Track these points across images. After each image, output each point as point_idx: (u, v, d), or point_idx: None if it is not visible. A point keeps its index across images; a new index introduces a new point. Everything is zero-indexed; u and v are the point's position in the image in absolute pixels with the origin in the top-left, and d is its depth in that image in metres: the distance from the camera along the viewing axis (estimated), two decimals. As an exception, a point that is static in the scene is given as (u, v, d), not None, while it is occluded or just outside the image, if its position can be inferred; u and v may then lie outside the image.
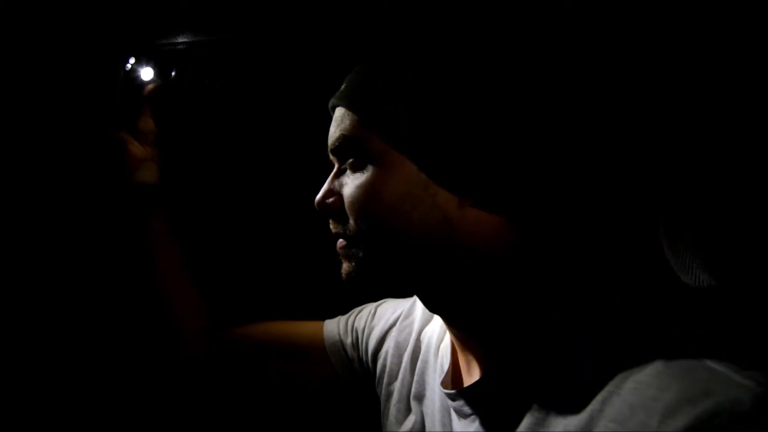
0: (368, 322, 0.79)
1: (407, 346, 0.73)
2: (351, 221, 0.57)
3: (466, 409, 0.57)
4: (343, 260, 0.60)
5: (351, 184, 0.57)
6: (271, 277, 1.12)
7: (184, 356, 0.85)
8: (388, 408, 0.72)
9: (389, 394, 0.73)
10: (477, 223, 0.54)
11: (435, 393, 0.65)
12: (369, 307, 0.82)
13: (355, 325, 0.81)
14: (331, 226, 0.61)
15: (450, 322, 0.61)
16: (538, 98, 0.54)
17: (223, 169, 1.16)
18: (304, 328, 0.84)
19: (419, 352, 0.71)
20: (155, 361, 0.96)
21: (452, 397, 0.59)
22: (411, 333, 0.73)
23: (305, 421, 1.03)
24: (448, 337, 0.66)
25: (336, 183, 0.60)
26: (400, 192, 0.54)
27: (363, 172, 0.56)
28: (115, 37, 0.88)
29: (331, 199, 0.59)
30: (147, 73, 0.92)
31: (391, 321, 0.77)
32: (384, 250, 0.56)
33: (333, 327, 0.82)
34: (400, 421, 0.70)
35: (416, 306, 0.76)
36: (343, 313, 0.85)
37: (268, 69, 1.05)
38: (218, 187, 1.16)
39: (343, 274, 0.59)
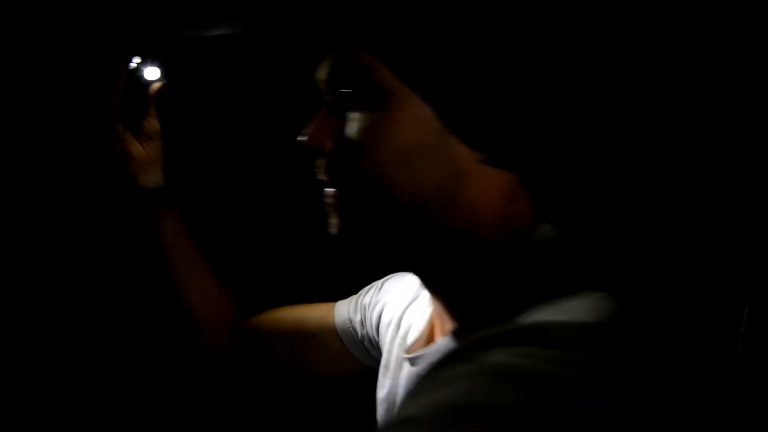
0: (374, 296, 0.79)
1: (395, 318, 0.72)
2: (348, 168, 0.51)
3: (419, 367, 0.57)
4: (332, 214, 0.54)
5: (352, 125, 0.50)
6: (285, 269, 1.12)
7: (209, 349, 0.88)
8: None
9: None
10: (489, 180, 0.48)
11: (400, 359, 0.65)
12: (377, 284, 0.82)
13: (363, 302, 0.80)
14: (319, 173, 0.54)
15: (436, 289, 0.56)
16: (579, 59, 0.48)
17: (231, 167, 1.16)
18: (316, 310, 0.84)
19: (400, 325, 0.70)
20: (181, 357, 0.98)
21: (411, 361, 0.60)
22: (402, 306, 0.72)
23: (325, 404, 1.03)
24: (428, 314, 0.64)
25: (329, 121, 0.53)
26: (413, 140, 0.47)
27: (367, 112, 0.49)
28: (119, 36, 0.89)
29: (322, 140, 0.52)
30: (152, 73, 0.92)
31: (393, 295, 0.77)
32: (386, 204, 0.50)
33: (344, 307, 0.82)
34: (380, 388, 0.69)
35: (415, 282, 0.74)
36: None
37: (276, 67, 1.05)
38: (225, 185, 1.16)
39: (333, 229, 0.53)
